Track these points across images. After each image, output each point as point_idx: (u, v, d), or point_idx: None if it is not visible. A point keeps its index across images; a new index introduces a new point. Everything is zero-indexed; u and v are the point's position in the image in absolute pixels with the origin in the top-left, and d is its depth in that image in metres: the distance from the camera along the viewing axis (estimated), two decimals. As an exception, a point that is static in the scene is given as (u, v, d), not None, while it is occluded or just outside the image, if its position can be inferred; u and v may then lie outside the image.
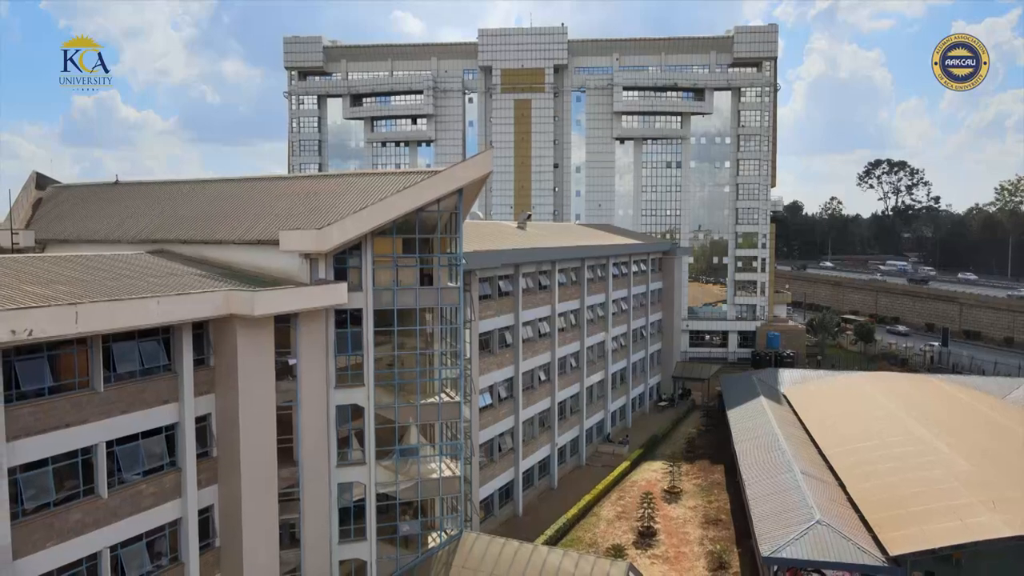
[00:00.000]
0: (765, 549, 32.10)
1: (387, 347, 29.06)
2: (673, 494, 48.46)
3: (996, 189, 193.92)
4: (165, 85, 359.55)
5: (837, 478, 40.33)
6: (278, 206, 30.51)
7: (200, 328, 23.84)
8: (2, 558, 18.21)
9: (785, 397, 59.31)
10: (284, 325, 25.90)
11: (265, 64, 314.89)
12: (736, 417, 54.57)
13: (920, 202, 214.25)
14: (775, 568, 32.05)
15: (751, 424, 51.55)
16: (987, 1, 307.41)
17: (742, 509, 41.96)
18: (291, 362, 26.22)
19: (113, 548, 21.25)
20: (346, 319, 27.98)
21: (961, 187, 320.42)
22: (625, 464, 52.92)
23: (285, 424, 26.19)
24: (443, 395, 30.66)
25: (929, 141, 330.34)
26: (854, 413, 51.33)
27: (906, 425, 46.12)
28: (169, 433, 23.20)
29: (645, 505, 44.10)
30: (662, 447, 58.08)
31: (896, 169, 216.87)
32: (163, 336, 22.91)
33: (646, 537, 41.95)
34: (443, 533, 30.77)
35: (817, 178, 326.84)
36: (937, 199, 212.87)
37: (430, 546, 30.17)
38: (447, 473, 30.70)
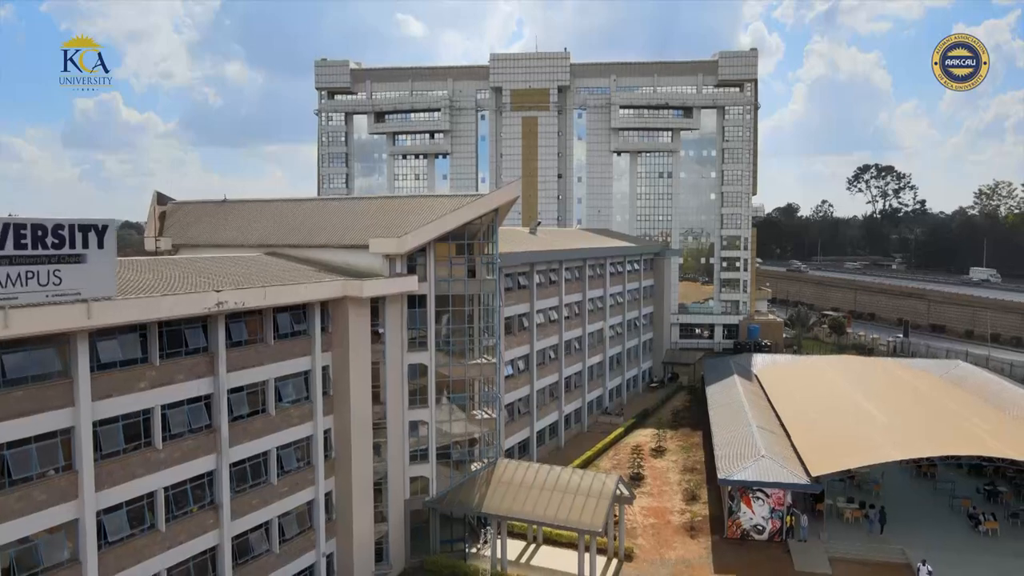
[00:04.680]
0: (722, 474, 43.07)
1: (443, 322, 39.94)
2: (659, 452, 59.29)
3: (975, 193, 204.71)
4: (167, 87, 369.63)
5: (786, 431, 51.21)
6: (361, 219, 41.43)
7: (323, 305, 34.68)
8: (223, 444, 29.13)
9: (756, 376, 70.13)
10: (375, 306, 36.74)
11: (267, 67, 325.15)
12: (713, 391, 65.46)
13: (907, 205, 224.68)
14: (729, 488, 42.82)
15: (724, 395, 62.45)
16: (986, 3, 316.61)
17: (714, 461, 52.65)
18: (380, 331, 37.10)
19: (278, 449, 32.18)
20: (415, 302, 38.87)
21: (960, 188, 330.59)
22: (620, 430, 63.73)
23: (375, 375, 37.04)
24: (483, 359, 41.59)
25: (928, 142, 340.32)
26: (809, 386, 62.25)
27: (848, 394, 56.95)
28: (305, 377, 34.05)
29: (635, 456, 55.11)
30: (652, 418, 68.77)
31: (884, 174, 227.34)
32: (301, 310, 33.76)
33: (636, 480, 52.74)
34: (483, 459, 41.65)
35: (816, 179, 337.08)
36: (923, 202, 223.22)
37: (474, 468, 41.06)
38: (485, 416, 41.67)
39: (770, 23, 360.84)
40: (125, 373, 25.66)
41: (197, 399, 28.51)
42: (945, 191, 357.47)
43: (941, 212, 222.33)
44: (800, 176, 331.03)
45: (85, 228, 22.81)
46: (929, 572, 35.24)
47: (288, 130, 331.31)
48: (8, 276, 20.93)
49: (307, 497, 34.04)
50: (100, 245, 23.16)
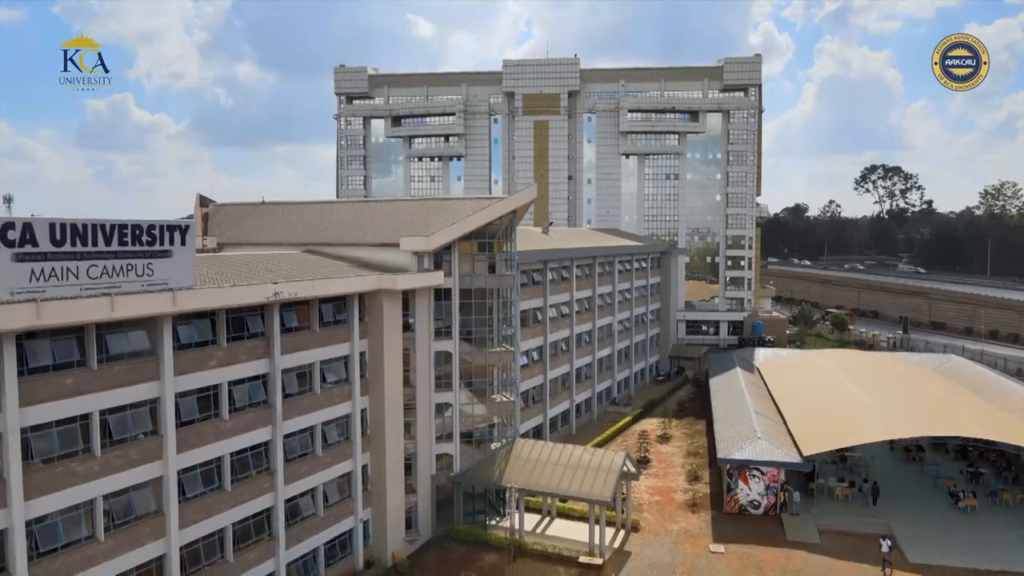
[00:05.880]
0: (721, 454, 46.86)
1: (466, 313, 43.88)
2: (665, 438, 63.06)
3: (980, 193, 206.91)
4: (178, 88, 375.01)
5: (782, 417, 54.89)
6: (391, 220, 45.43)
7: (360, 297, 38.69)
8: (278, 418, 33.20)
9: (758, 368, 73.75)
10: (405, 298, 40.71)
11: (277, 68, 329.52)
12: (716, 382, 69.13)
13: (914, 206, 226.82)
14: (728, 467, 46.55)
15: (726, 385, 66.13)
16: (998, 1, 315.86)
17: (715, 445, 56.33)
18: (410, 321, 41.10)
19: (322, 424, 36.24)
20: (441, 295, 42.84)
21: (971, 188, 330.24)
22: (627, 419, 67.53)
23: (406, 361, 41.02)
24: (502, 347, 45.54)
25: (939, 142, 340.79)
26: (807, 377, 65.90)
27: (842, 384, 60.58)
28: (345, 361, 38.06)
29: (642, 441, 58.95)
30: (658, 408, 72.37)
31: (891, 174, 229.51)
32: (342, 301, 37.77)
33: (642, 463, 56.45)
34: (502, 439, 45.59)
35: (826, 179, 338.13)
36: (930, 202, 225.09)
37: (493, 446, 45.00)
38: (503, 399, 45.63)
39: (779, 22, 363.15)
40: (199, 353, 29.76)
41: (256, 377, 32.60)
42: (957, 191, 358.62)
43: (951, 212, 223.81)
44: (809, 176, 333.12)
45: (172, 228, 26.90)
46: (889, 547, 38.74)
47: (299, 130, 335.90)
48: (114, 268, 25.03)
49: (346, 468, 38.06)
50: (183, 242, 27.25)
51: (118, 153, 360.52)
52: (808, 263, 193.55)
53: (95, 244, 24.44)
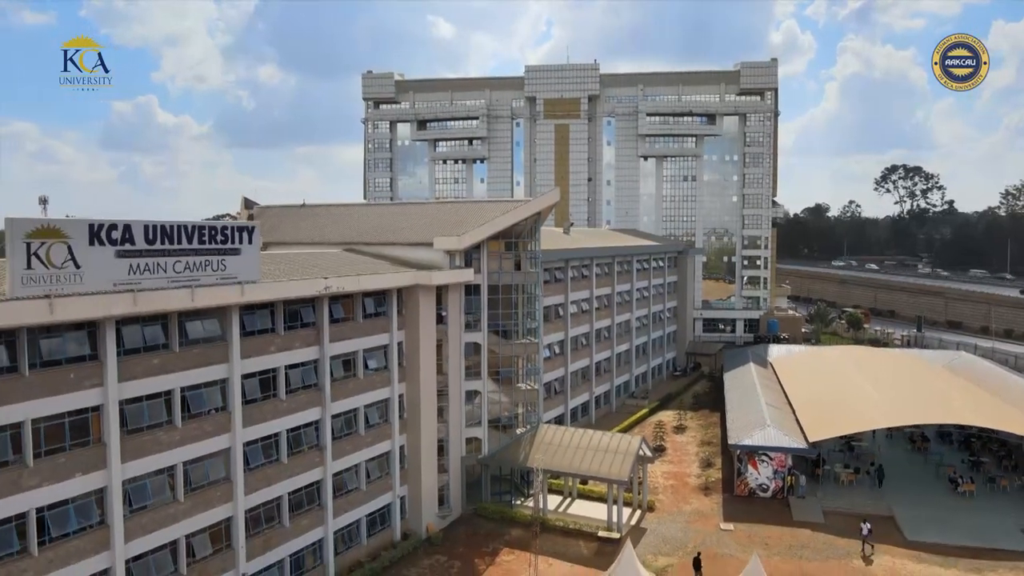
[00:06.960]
0: (732, 440, 49.95)
1: (494, 308, 47.38)
2: (680, 429, 66.13)
3: (1002, 193, 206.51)
4: (201, 91, 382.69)
5: (791, 407, 57.76)
6: (423, 221, 49.10)
7: (399, 292, 42.33)
8: (327, 399, 36.92)
9: (771, 363, 76.49)
10: (439, 293, 44.30)
11: (299, 69, 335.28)
12: (730, 375, 72.07)
13: (935, 205, 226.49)
14: (738, 452, 49.62)
15: (740, 378, 69.05)
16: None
17: (727, 435, 59.28)
18: (443, 314, 44.68)
19: (364, 407, 39.94)
20: (470, 290, 46.38)
21: (996, 187, 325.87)
22: (645, 411, 70.66)
23: (439, 351, 44.63)
24: (526, 339, 48.98)
25: (965, 141, 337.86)
26: (817, 371, 68.57)
27: (851, 377, 63.21)
28: (384, 350, 41.72)
29: (658, 431, 62.11)
30: (674, 401, 75.52)
31: (912, 174, 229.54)
32: (382, 295, 41.45)
33: (658, 452, 59.60)
34: (527, 424, 49.04)
35: (850, 178, 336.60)
36: (951, 202, 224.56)
37: (519, 431, 48.48)
38: (528, 388, 49.07)
39: (802, 21, 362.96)
40: (261, 339, 33.55)
41: (308, 362, 36.38)
42: (983, 190, 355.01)
43: (975, 212, 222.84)
44: (833, 175, 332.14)
45: (241, 228, 30.69)
46: (869, 529, 41.52)
47: (320, 132, 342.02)
48: (195, 263, 28.85)
49: (385, 448, 41.73)
50: (250, 241, 31.02)
51: (142, 154, 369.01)
52: (874, 267, 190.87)
53: (179, 242, 28.25)
